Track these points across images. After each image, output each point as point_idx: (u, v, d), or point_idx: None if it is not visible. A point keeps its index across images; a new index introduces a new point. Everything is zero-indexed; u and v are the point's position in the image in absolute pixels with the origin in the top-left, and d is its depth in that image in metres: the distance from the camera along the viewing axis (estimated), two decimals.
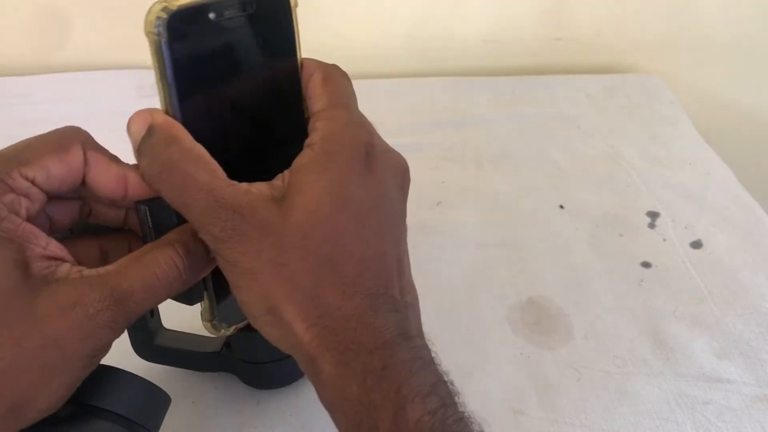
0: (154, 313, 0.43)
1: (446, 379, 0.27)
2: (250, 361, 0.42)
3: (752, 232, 0.58)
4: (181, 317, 0.43)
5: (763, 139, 0.91)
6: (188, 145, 0.27)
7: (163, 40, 0.26)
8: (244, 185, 0.27)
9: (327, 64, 0.31)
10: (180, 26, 0.26)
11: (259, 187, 0.27)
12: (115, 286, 0.26)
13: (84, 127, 0.31)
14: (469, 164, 0.67)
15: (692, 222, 0.59)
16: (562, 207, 0.61)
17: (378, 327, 0.26)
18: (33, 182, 0.27)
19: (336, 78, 0.31)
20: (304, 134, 0.29)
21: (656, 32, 0.82)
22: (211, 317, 0.32)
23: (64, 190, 0.29)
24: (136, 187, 0.29)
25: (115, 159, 0.30)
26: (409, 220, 0.32)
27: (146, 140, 0.27)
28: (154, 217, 0.30)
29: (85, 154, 0.29)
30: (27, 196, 0.27)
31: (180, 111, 0.27)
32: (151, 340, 0.42)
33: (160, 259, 0.27)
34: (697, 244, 0.57)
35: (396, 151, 0.31)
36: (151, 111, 0.28)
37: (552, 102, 0.76)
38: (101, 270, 0.27)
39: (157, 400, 0.33)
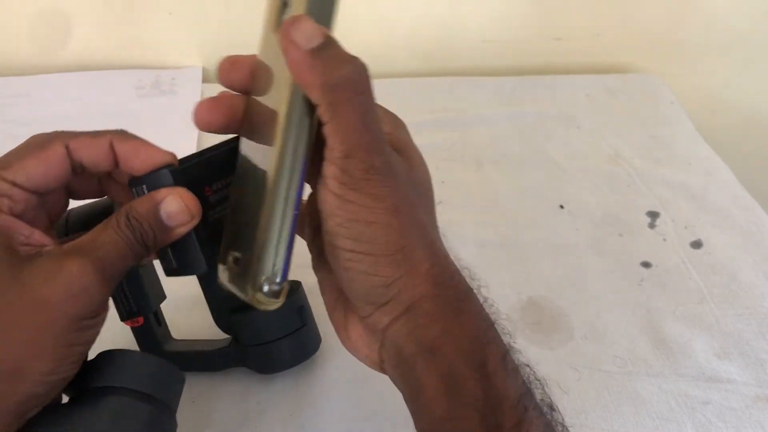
0: (161, 322, 0.44)
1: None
2: (261, 342, 0.41)
3: (752, 232, 0.58)
4: (188, 328, 0.45)
5: (763, 139, 0.91)
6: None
7: None
8: None
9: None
10: None
11: None
12: (93, 249, 0.28)
13: (84, 127, 0.32)
14: (469, 164, 0.67)
15: (692, 222, 0.59)
16: (562, 207, 0.61)
17: (462, 278, 0.30)
18: (14, 184, 0.29)
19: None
20: None
21: (656, 32, 0.82)
22: (275, 277, 0.29)
23: (53, 185, 0.31)
24: (123, 152, 0.31)
25: (96, 133, 0.31)
26: None
27: (333, 48, 0.27)
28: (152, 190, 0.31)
29: (67, 146, 0.30)
30: (9, 196, 0.29)
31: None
32: (160, 347, 0.43)
33: (121, 223, 0.30)
34: (697, 244, 0.57)
35: None
36: (313, 23, 0.27)
37: (552, 102, 0.76)
38: (77, 241, 0.29)
39: (169, 375, 0.33)
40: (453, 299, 0.28)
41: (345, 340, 0.32)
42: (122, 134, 0.32)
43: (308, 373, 0.45)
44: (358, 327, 0.31)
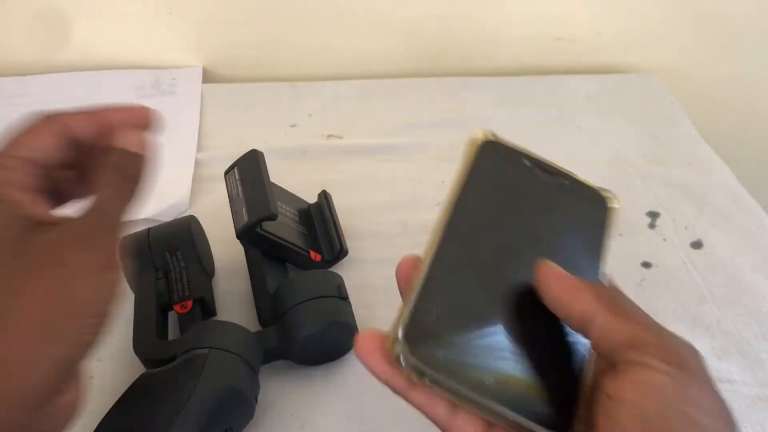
0: (213, 314, 0.47)
1: None
2: (305, 335, 0.41)
3: (752, 232, 0.58)
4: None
5: (763, 139, 0.91)
6: None
7: None
8: None
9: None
10: None
11: None
12: (94, 208, 0.30)
13: None
14: None
15: (692, 222, 0.59)
16: None
17: None
18: (23, 158, 0.31)
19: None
20: None
21: (656, 32, 0.82)
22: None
23: (55, 158, 0.32)
24: (111, 116, 0.33)
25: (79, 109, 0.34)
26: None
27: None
28: None
29: (55, 119, 0.33)
30: (16, 170, 0.31)
31: None
32: None
33: (106, 182, 0.31)
34: (697, 244, 0.57)
35: None
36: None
37: (552, 102, 0.76)
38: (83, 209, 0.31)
39: (251, 340, 0.39)
40: None
41: None
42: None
43: (309, 374, 0.45)
44: None
